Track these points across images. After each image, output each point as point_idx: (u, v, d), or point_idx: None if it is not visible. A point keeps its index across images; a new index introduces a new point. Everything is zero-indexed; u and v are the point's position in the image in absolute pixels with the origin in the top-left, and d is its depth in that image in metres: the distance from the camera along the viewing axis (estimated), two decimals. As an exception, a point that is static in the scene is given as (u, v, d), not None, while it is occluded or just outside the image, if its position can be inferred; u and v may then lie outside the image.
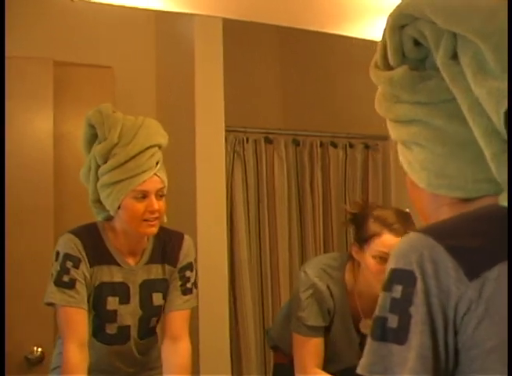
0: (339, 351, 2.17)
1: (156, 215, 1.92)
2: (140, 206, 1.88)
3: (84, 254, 1.92)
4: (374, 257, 1.99)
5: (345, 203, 3.05)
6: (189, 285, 2.06)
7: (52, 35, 2.47)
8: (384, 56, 1.02)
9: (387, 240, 1.96)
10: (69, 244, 1.91)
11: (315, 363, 2.10)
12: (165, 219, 1.99)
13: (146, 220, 1.90)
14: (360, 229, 2.03)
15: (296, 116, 3.20)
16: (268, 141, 3.03)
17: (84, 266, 1.91)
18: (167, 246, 2.05)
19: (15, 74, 2.34)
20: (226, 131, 2.81)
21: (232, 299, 2.85)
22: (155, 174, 1.92)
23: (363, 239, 2.02)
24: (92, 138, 1.99)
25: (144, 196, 1.89)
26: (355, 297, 2.11)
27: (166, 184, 1.94)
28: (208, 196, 2.71)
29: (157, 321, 2.12)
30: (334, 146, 3.15)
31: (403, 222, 1.98)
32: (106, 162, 1.92)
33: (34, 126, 2.51)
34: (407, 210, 1.97)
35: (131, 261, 2.00)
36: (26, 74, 2.39)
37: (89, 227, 1.99)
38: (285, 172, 3.05)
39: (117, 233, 1.98)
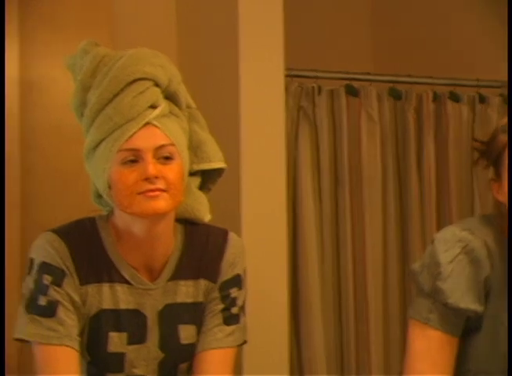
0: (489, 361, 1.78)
1: (158, 184, 1.68)
2: (128, 172, 1.68)
3: (70, 264, 1.71)
4: None
5: (472, 180, 2.91)
6: (234, 310, 1.80)
7: None
8: None
9: None
10: (48, 249, 1.71)
11: None
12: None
13: (141, 193, 1.68)
14: (497, 160, 1.83)
15: (394, 55, 3.20)
16: (351, 92, 2.86)
17: (70, 284, 1.71)
18: (203, 252, 1.82)
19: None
20: (287, 76, 2.62)
21: (295, 331, 2.66)
22: (150, 123, 1.69)
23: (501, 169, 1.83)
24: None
25: (135, 158, 1.68)
26: None
27: (176, 142, 1.71)
28: (259, 176, 2.55)
29: (188, 368, 1.85)
30: (455, 99, 2.99)
31: None
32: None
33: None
34: None
35: (146, 276, 1.78)
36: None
37: (83, 224, 1.78)
38: (377, 139, 2.88)
39: (119, 231, 1.76)
